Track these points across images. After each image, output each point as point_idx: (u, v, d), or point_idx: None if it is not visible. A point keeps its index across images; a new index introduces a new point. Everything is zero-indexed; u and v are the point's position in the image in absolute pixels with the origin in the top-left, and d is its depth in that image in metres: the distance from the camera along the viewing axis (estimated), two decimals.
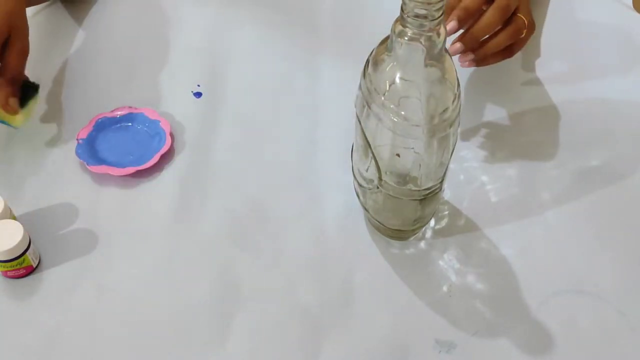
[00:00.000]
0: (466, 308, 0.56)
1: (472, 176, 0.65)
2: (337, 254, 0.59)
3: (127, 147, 0.64)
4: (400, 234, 0.59)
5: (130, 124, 0.66)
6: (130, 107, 0.67)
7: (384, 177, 0.52)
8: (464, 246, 0.60)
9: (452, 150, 0.52)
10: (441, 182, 0.54)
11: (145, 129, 0.66)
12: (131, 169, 0.62)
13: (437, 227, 0.62)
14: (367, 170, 0.54)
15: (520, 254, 0.60)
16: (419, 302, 0.57)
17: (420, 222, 0.58)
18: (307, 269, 0.58)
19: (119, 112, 0.67)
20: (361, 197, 0.58)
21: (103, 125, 0.66)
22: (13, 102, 0.59)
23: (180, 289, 0.57)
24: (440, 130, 0.48)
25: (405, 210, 0.56)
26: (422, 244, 0.61)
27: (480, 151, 0.66)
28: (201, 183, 0.64)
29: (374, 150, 0.51)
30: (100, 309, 0.56)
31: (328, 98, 0.70)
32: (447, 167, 0.53)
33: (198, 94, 0.71)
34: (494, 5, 0.58)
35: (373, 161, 0.52)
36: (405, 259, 0.59)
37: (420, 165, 0.51)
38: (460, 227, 0.62)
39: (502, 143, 0.68)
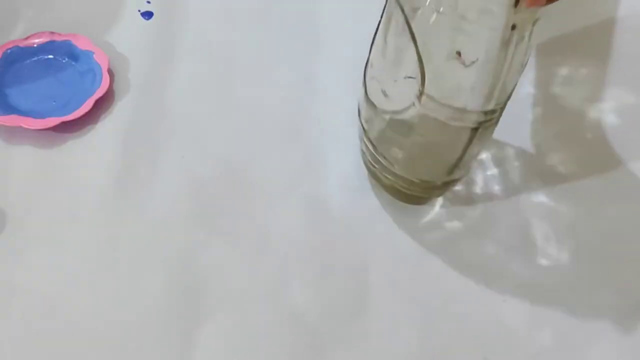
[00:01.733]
0: (526, 315, 0.50)
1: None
2: (342, 238, 0.53)
3: (47, 89, 0.58)
4: (426, 193, 0.53)
5: (51, 56, 0.60)
6: (52, 33, 0.60)
7: (427, 90, 0.45)
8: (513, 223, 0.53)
9: (522, 71, 0.46)
10: (502, 109, 0.48)
11: (73, 63, 0.59)
12: (54, 120, 0.55)
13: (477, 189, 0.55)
14: (395, 83, 0.46)
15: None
16: (458, 306, 0.51)
17: (459, 171, 0.51)
18: (301, 261, 0.52)
19: (36, 40, 0.60)
20: (373, 140, 0.51)
21: (14, 59, 0.59)
22: None
23: (123, 289, 0.51)
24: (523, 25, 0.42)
25: (446, 146, 0.49)
26: (460, 224, 0.54)
27: None
28: (152, 140, 0.57)
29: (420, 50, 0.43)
30: (11, 318, 0.49)
31: (333, 20, 0.64)
32: (511, 93, 0.47)
33: (148, 14, 0.64)
34: None
35: (414, 68, 0.44)
36: (438, 244, 0.53)
37: (484, 78, 0.44)
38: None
39: None
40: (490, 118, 0.47)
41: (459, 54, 0.43)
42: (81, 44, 0.59)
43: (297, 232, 0.53)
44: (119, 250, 0.51)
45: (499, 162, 0.57)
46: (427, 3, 0.41)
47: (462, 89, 0.45)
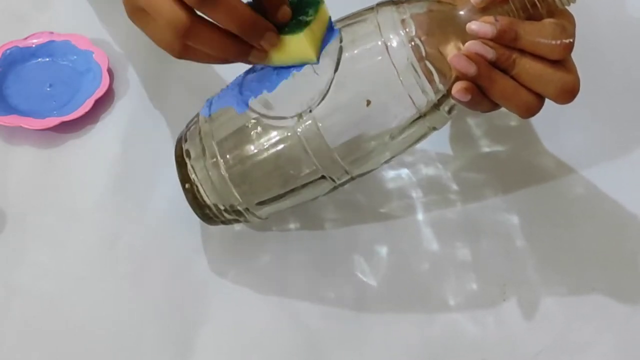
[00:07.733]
0: (527, 315, 0.50)
1: None
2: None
3: (47, 89, 0.59)
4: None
5: (51, 56, 0.60)
6: (51, 33, 0.60)
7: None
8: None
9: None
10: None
11: (72, 63, 0.59)
12: (54, 120, 0.55)
13: None
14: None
15: None
16: (458, 306, 0.49)
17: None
18: (303, 259, 0.51)
19: (35, 40, 0.59)
20: None
21: (13, 59, 0.59)
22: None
23: (122, 290, 0.51)
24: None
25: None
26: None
27: None
28: (152, 140, 0.57)
29: None
30: (9, 319, 0.49)
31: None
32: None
33: None
34: None
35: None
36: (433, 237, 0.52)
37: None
38: None
39: None
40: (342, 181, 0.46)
41: (368, 102, 0.43)
42: (81, 44, 0.59)
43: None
44: (119, 250, 0.51)
45: None
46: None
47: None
